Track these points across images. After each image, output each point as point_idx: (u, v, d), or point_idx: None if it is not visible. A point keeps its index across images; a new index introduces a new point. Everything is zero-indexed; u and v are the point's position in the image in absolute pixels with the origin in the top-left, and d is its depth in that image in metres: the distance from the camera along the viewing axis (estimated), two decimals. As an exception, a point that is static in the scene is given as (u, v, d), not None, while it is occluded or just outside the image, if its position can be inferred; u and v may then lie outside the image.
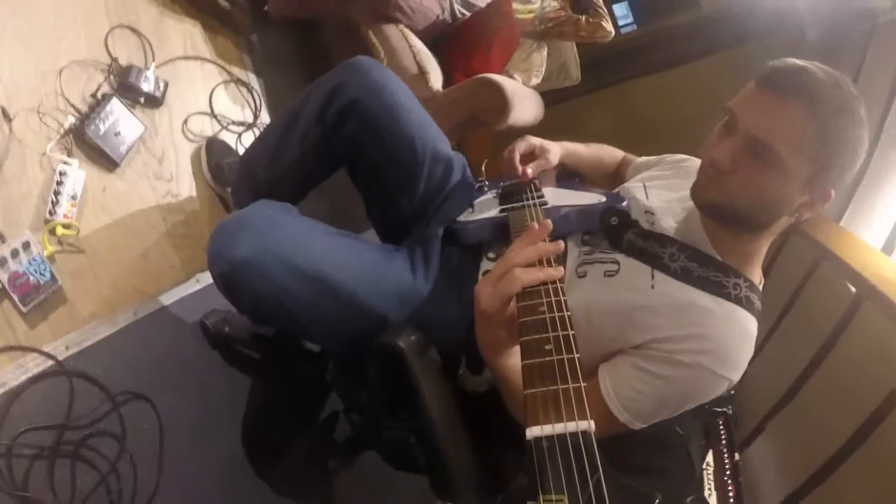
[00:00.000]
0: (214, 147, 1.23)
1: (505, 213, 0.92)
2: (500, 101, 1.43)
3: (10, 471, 0.85)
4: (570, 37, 1.63)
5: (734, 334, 0.74)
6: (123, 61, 1.11)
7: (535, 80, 1.67)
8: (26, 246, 0.93)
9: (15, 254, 0.92)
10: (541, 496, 0.43)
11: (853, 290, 1.23)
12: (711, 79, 1.75)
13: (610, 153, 1.15)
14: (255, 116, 1.36)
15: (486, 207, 0.97)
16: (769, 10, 1.60)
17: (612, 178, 1.13)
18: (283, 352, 1.23)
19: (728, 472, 1.30)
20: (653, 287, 0.77)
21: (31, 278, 0.93)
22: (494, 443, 0.90)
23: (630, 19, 2.18)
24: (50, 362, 0.94)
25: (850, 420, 1.09)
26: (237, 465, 1.14)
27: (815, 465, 1.14)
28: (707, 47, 1.78)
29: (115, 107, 1.08)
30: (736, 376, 0.74)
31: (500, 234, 0.89)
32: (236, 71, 1.34)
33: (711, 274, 0.76)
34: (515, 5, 1.57)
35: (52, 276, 0.96)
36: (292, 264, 0.76)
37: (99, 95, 1.07)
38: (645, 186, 0.94)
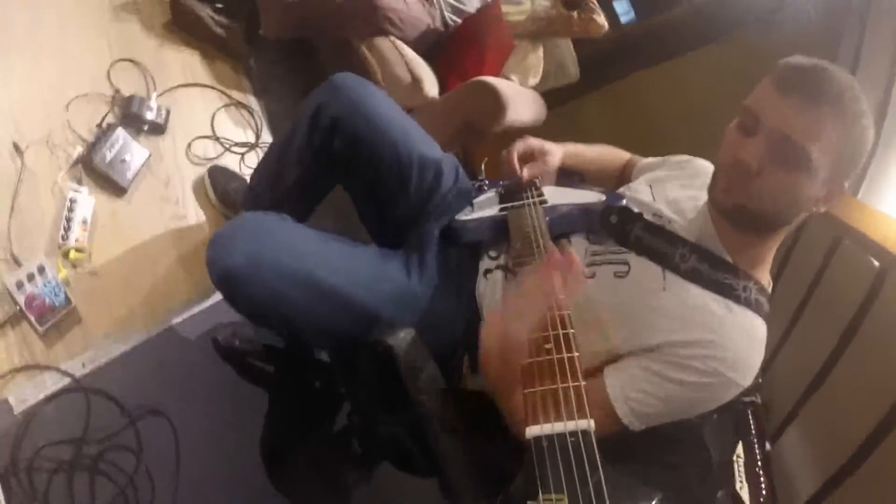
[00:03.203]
0: (217, 174, 1.28)
1: (504, 212, 0.92)
2: (496, 102, 1.43)
3: (31, 485, 0.89)
4: (564, 34, 1.64)
5: (746, 339, 0.73)
6: (126, 92, 1.18)
7: (534, 81, 1.68)
8: (41, 270, 0.98)
9: (31, 277, 0.97)
10: (541, 495, 0.43)
11: (877, 264, 1.17)
12: (715, 66, 1.72)
13: (615, 154, 1.13)
14: (257, 137, 1.41)
15: (486, 206, 0.97)
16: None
17: (618, 180, 1.11)
18: (293, 364, 1.25)
19: (759, 464, 1.24)
20: (664, 289, 0.76)
21: (47, 300, 0.98)
22: (496, 441, 0.88)
23: (632, 15, 2.17)
24: (67, 380, 0.98)
25: (883, 398, 1.03)
26: (252, 477, 1.15)
27: (850, 450, 1.07)
28: (706, 34, 1.76)
29: (121, 135, 1.14)
30: (747, 382, 0.73)
31: (500, 232, 0.89)
32: (236, 94, 1.40)
33: (722, 276, 0.75)
34: (506, 8, 1.59)
35: (67, 297, 1.00)
36: (286, 269, 0.78)
37: (104, 125, 1.13)
38: (651, 187, 0.93)
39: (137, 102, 1.17)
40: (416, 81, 1.44)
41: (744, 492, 1.23)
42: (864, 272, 1.21)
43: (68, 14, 1.16)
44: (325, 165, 0.99)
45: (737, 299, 0.74)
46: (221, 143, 1.33)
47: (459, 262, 0.95)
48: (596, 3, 1.58)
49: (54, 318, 0.98)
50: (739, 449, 1.32)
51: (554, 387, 0.52)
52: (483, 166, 1.14)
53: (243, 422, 1.19)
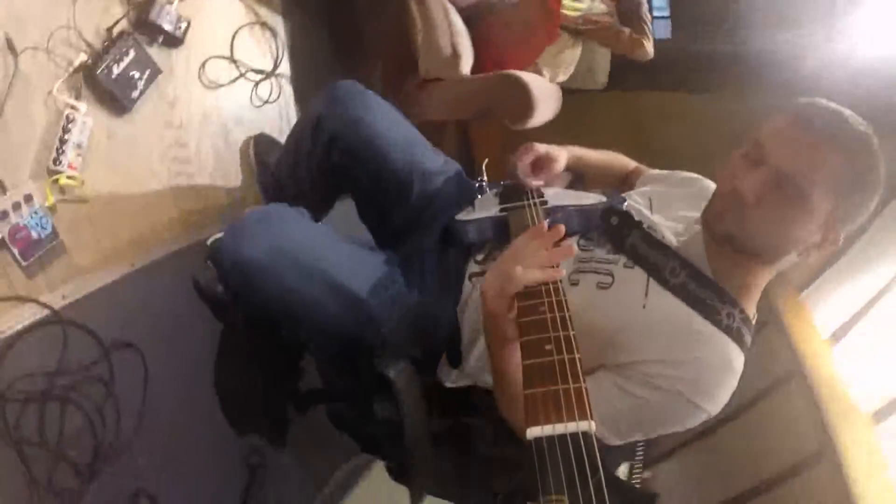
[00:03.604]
0: (261, 143, 1.24)
1: (505, 213, 0.92)
2: (526, 103, 1.38)
3: (3, 415, 0.90)
4: (608, 45, 1.57)
5: (718, 367, 0.72)
6: (145, -8, 1.00)
7: (563, 78, 1.61)
8: (28, 198, 0.89)
9: (17, 206, 0.88)
10: (541, 497, 0.43)
11: (789, 367, 1.35)
12: (729, 115, 1.74)
13: (620, 161, 1.12)
14: (275, 65, 1.26)
15: (487, 206, 0.97)
16: (814, 72, 1.55)
17: (620, 186, 1.09)
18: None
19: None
20: (644, 307, 0.75)
21: (33, 232, 0.90)
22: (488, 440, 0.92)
23: (666, 13, 2.04)
24: (46, 311, 0.95)
25: (743, 479, 1.24)
26: (214, 412, 1.23)
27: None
28: (740, 83, 1.75)
29: (132, 45, 0.98)
30: (713, 409, 0.73)
31: (501, 233, 0.89)
32: (263, 12, 1.22)
33: (707, 296, 0.74)
34: (565, 0, 1.47)
35: (54, 229, 0.93)
36: (303, 265, 0.80)
37: (115, 31, 0.96)
38: (651, 199, 0.92)
39: (157, 8, 1.00)
40: (455, 57, 1.35)
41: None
42: (775, 364, 1.40)
43: None
44: (329, 176, 1.01)
45: (717, 323, 0.72)
46: (237, 67, 1.18)
47: (457, 264, 0.97)
48: (650, 28, 1.51)
49: (39, 251, 0.92)
50: (624, 468, 1.58)
51: (555, 388, 0.51)
52: (483, 167, 1.13)
53: (213, 361, 1.23)
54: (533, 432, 0.47)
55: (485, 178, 1.08)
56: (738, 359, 0.73)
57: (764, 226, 0.70)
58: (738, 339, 0.73)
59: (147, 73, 1.02)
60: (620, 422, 0.74)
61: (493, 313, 0.68)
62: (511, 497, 0.50)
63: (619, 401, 0.73)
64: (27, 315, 0.93)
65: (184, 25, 1.06)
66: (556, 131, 1.08)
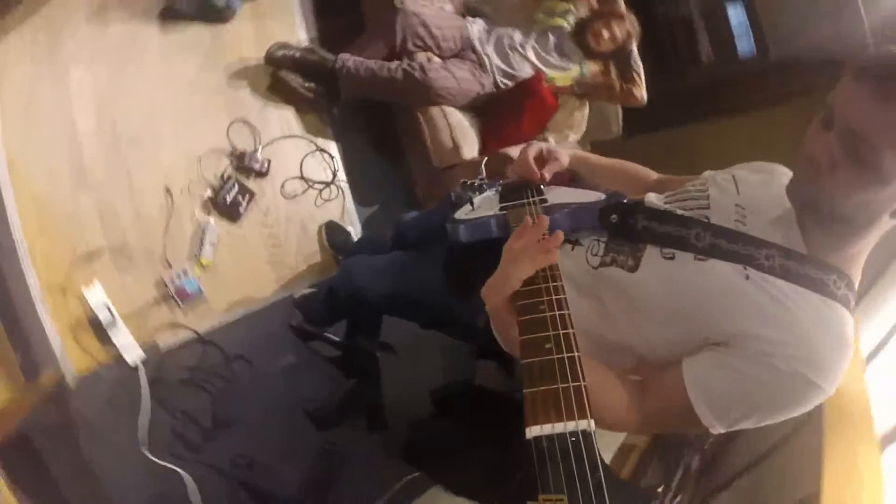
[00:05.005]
0: (331, 229, 1.86)
1: (505, 212, 0.92)
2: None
3: (167, 390, 1.63)
4: (605, 100, 1.68)
5: (832, 339, 0.69)
6: (239, 146, 1.72)
7: (574, 137, 1.79)
8: (185, 272, 1.65)
9: (178, 275, 1.65)
10: (540, 496, 0.43)
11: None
12: (774, 130, 1.56)
13: (635, 168, 1.10)
14: (334, 175, 1.88)
15: (487, 205, 0.98)
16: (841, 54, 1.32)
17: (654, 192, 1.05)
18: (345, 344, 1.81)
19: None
20: (747, 278, 0.72)
21: (188, 290, 1.66)
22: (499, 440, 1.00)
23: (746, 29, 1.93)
24: (194, 335, 1.69)
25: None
26: (297, 408, 1.80)
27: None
28: (773, 96, 1.56)
29: (236, 182, 1.71)
30: (831, 388, 0.69)
31: (501, 231, 0.89)
32: (320, 141, 1.86)
33: (811, 272, 0.72)
34: (554, 73, 1.69)
35: (199, 288, 1.68)
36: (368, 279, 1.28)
37: (225, 175, 1.71)
38: (735, 180, 0.87)
39: (248, 156, 1.72)
40: (457, 147, 1.73)
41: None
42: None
43: (198, 87, 1.71)
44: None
45: (829, 294, 0.70)
46: (306, 182, 1.83)
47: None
48: (640, 75, 1.59)
49: (191, 300, 1.67)
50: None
51: (554, 387, 0.51)
52: (483, 166, 1.18)
53: (299, 372, 1.82)
54: (533, 431, 0.47)
55: (484, 176, 1.12)
56: (850, 327, 0.71)
57: (842, 189, 0.67)
58: (845, 304, 0.72)
59: (247, 196, 1.73)
60: (732, 406, 0.70)
61: (495, 313, 0.69)
62: (510, 497, 0.54)
63: (729, 382, 0.70)
64: (183, 336, 1.67)
65: (267, 163, 1.76)
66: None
